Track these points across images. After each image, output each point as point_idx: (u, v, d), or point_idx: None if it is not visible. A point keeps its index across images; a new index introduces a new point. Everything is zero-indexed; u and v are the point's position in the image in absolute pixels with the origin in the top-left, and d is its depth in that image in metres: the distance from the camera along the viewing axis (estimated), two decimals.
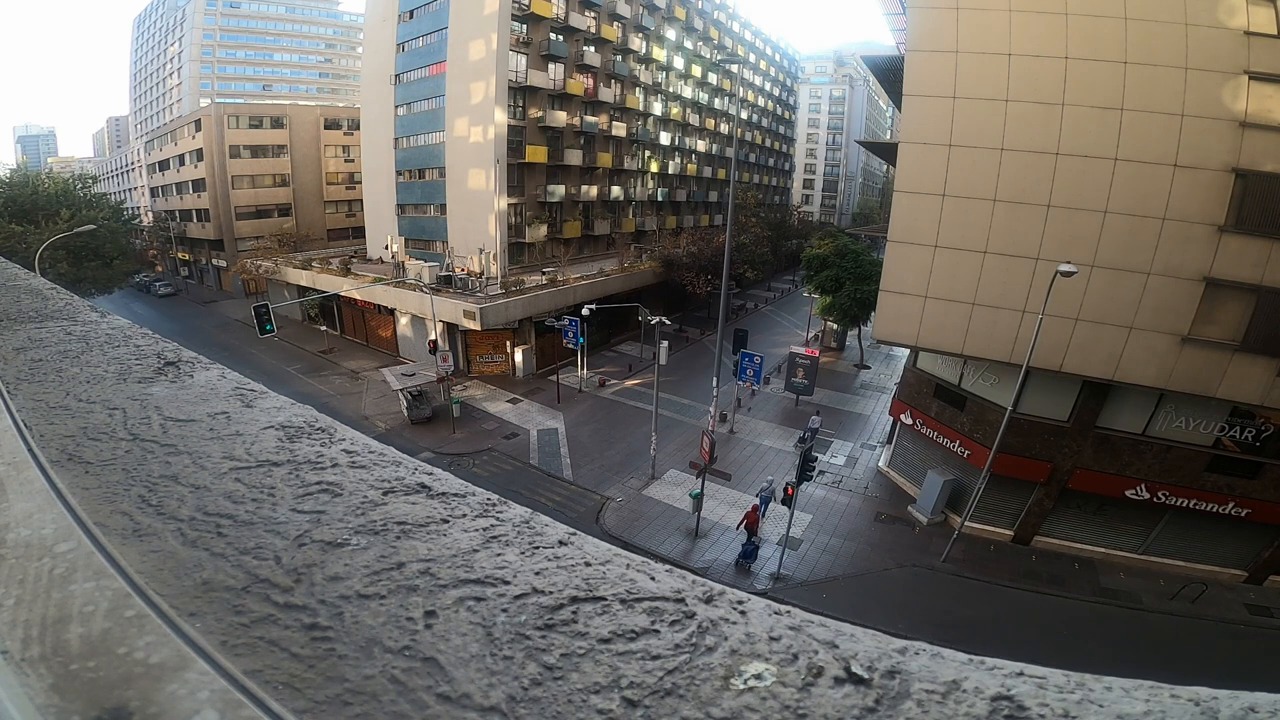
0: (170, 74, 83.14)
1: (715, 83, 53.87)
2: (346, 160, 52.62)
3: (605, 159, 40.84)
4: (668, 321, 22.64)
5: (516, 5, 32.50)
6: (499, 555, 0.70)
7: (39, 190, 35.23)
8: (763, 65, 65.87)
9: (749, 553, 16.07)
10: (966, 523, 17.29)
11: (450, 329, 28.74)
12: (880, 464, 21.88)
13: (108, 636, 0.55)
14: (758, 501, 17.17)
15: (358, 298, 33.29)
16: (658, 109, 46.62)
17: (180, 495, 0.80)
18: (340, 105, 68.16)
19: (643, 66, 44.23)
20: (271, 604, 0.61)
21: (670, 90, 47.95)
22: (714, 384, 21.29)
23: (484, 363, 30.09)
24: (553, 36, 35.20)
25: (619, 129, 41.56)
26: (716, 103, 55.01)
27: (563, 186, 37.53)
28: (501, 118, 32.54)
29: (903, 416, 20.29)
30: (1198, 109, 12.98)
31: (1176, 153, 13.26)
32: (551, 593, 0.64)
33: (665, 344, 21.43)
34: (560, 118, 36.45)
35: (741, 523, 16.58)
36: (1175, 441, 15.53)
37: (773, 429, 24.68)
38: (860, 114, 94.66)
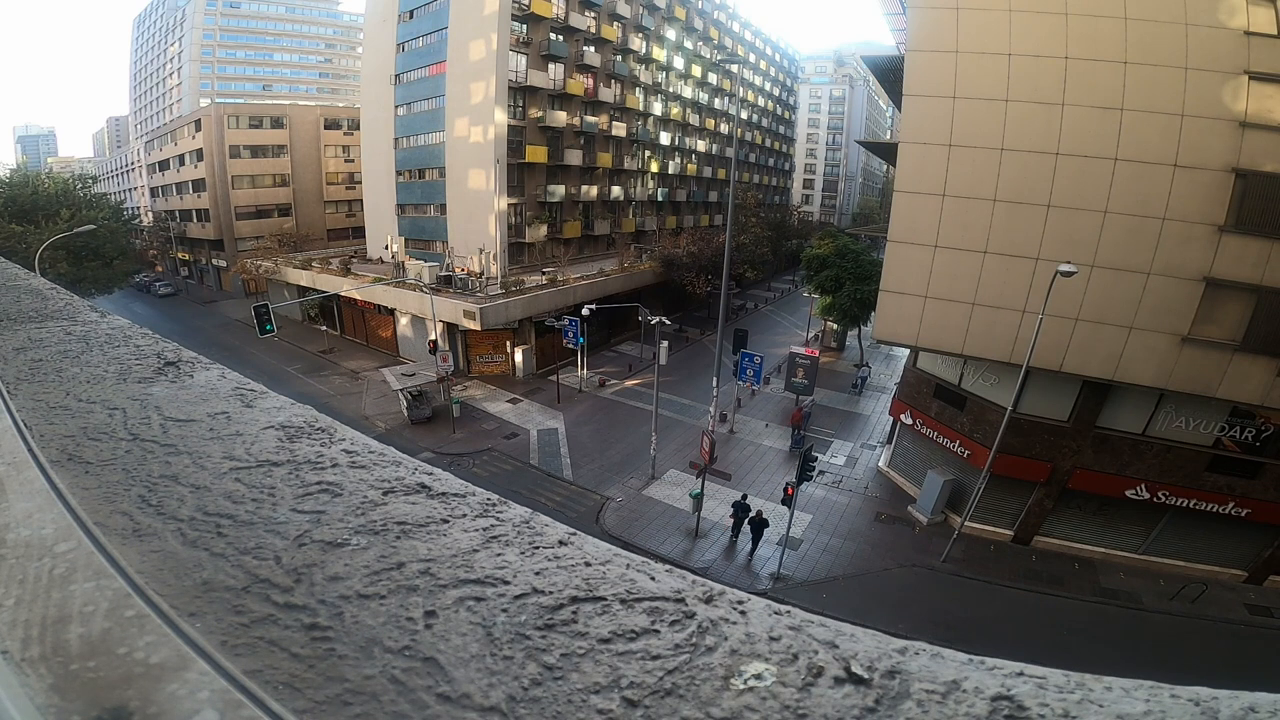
0: (170, 74, 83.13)
1: (715, 83, 53.86)
2: (346, 160, 52.61)
3: (605, 159, 40.84)
4: (668, 321, 22.65)
5: (516, 5, 32.50)
6: (499, 555, 0.70)
7: (39, 190, 35.20)
8: (763, 65, 65.86)
9: (799, 441, 21.85)
10: (966, 523, 17.29)
11: (450, 329, 28.74)
12: (880, 464, 21.88)
13: (108, 636, 0.55)
14: (803, 405, 23.62)
15: (358, 298, 33.29)
16: (658, 109, 46.62)
17: (180, 495, 0.80)
18: (340, 105, 68.16)
19: (643, 66, 44.23)
20: (271, 604, 0.61)
21: (670, 90, 47.94)
22: (714, 384, 21.28)
23: (484, 363, 30.09)
24: (553, 36, 35.21)
25: (619, 129, 41.56)
26: (716, 103, 55.00)
27: (563, 186, 37.53)
28: (501, 118, 32.54)
29: (903, 416, 20.29)
30: (1198, 109, 12.98)
31: (1176, 153, 13.26)
32: (551, 593, 0.64)
33: (665, 344, 21.43)
34: (560, 118, 36.45)
35: (791, 420, 23.43)
36: (1175, 441, 15.53)
37: (773, 429, 24.67)
38: (860, 114, 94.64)
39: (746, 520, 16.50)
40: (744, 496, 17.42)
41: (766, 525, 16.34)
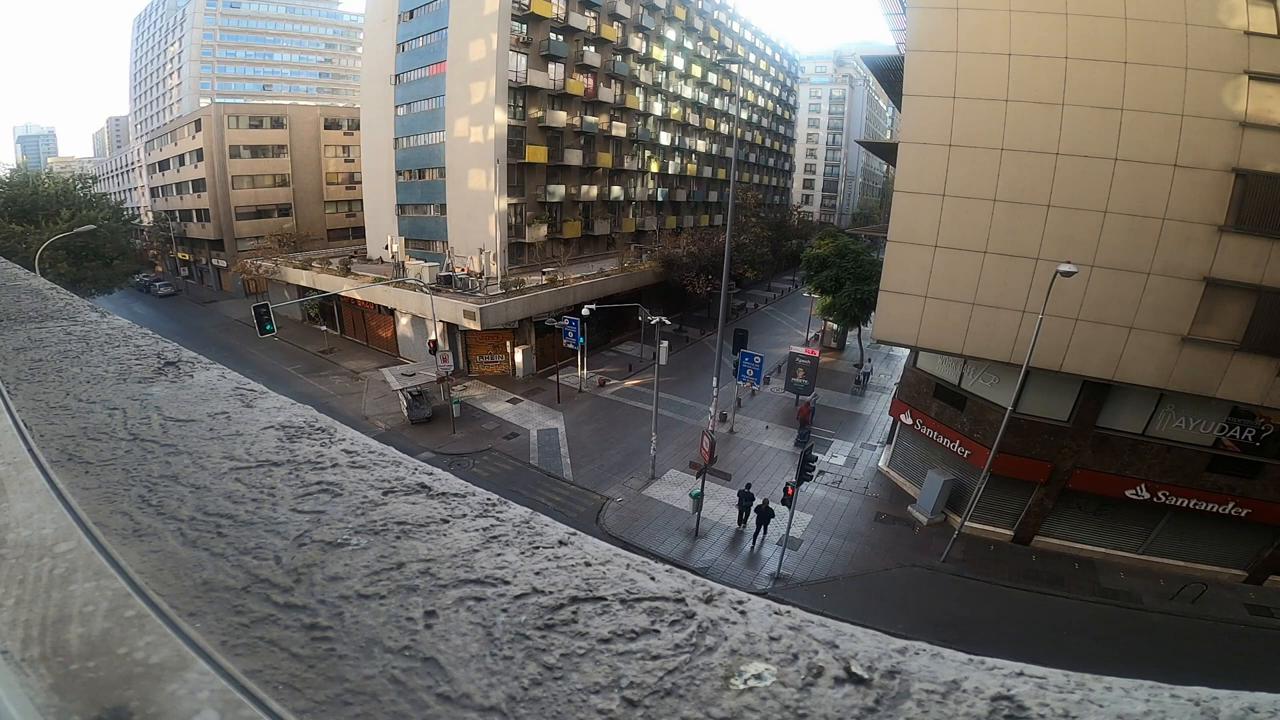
0: (170, 74, 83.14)
1: (715, 83, 53.87)
2: (346, 160, 52.61)
3: (605, 159, 40.84)
4: (668, 321, 22.65)
5: (516, 5, 32.51)
6: (499, 555, 0.70)
7: (39, 190, 35.19)
8: (763, 65, 65.85)
9: (804, 436, 22.55)
10: (966, 523, 17.28)
11: (450, 329, 28.74)
12: (880, 464, 21.88)
13: (108, 636, 0.55)
14: (809, 400, 24.50)
15: (358, 298, 33.28)
16: (658, 109, 46.61)
17: (180, 495, 0.80)
18: (340, 105, 68.19)
19: (643, 66, 44.23)
20: (271, 604, 0.61)
21: (670, 90, 47.94)
22: (714, 384, 21.29)
23: (484, 363, 30.09)
24: (553, 36, 35.20)
25: (619, 129, 41.55)
26: (716, 103, 55.00)
27: (563, 186, 37.53)
28: (501, 118, 32.54)
29: (903, 416, 20.28)
30: (1198, 109, 12.98)
31: (1176, 153, 13.26)
32: (551, 593, 0.64)
33: (665, 344, 21.42)
34: (560, 118, 36.45)
35: (798, 415, 23.99)
36: (1175, 441, 15.53)
37: (773, 429, 24.67)
38: (860, 114, 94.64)
39: (752, 509, 17.05)
40: (748, 486, 18.05)
41: (772, 515, 16.67)
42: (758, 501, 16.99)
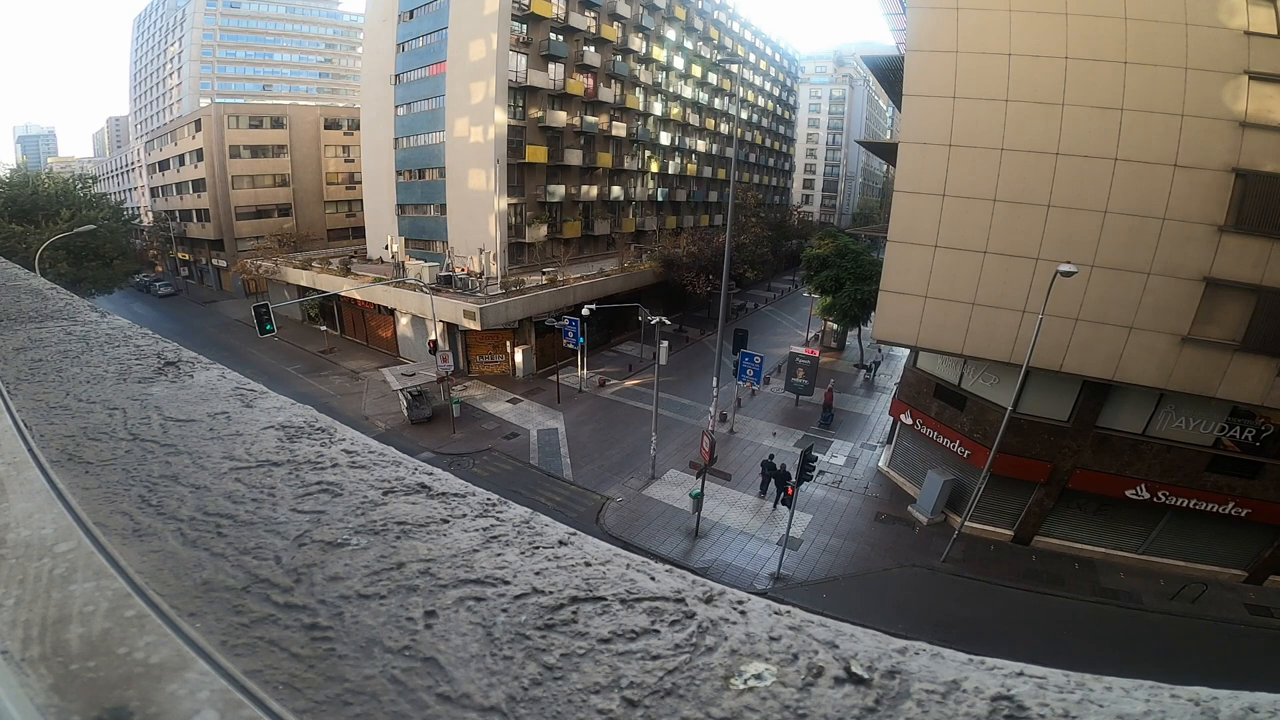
0: (170, 74, 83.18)
1: (715, 83, 53.87)
2: (346, 160, 52.61)
3: (605, 159, 40.84)
4: (668, 321, 22.65)
5: (516, 5, 32.51)
6: (499, 555, 0.70)
7: (39, 190, 35.16)
8: (763, 65, 65.85)
9: (827, 420, 24.82)
10: (966, 523, 17.28)
11: (450, 329, 28.74)
12: (880, 464, 21.88)
13: (108, 636, 0.55)
14: (830, 385, 26.11)
15: (358, 298, 33.29)
16: (658, 109, 46.61)
17: (180, 495, 0.80)
18: (340, 105, 68.21)
19: (643, 66, 44.24)
20: (271, 604, 0.61)
21: (670, 90, 47.94)
22: (714, 384, 21.29)
23: (484, 363, 30.09)
24: (553, 36, 35.21)
25: (619, 129, 41.56)
26: (716, 103, 55.00)
27: (563, 186, 37.53)
28: (501, 118, 32.54)
29: (903, 416, 20.28)
30: (1198, 109, 12.98)
31: (1176, 153, 13.26)
32: (551, 593, 0.64)
33: (665, 344, 21.42)
34: (560, 118, 36.45)
35: (825, 400, 25.52)
36: (1175, 441, 15.53)
37: (773, 429, 24.66)
38: (860, 114, 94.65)
39: (773, 477, 18.74)
40: (771, 456, 19.76)
41: (789, 478, 17.36)
42: (777, 468, 18.64)
